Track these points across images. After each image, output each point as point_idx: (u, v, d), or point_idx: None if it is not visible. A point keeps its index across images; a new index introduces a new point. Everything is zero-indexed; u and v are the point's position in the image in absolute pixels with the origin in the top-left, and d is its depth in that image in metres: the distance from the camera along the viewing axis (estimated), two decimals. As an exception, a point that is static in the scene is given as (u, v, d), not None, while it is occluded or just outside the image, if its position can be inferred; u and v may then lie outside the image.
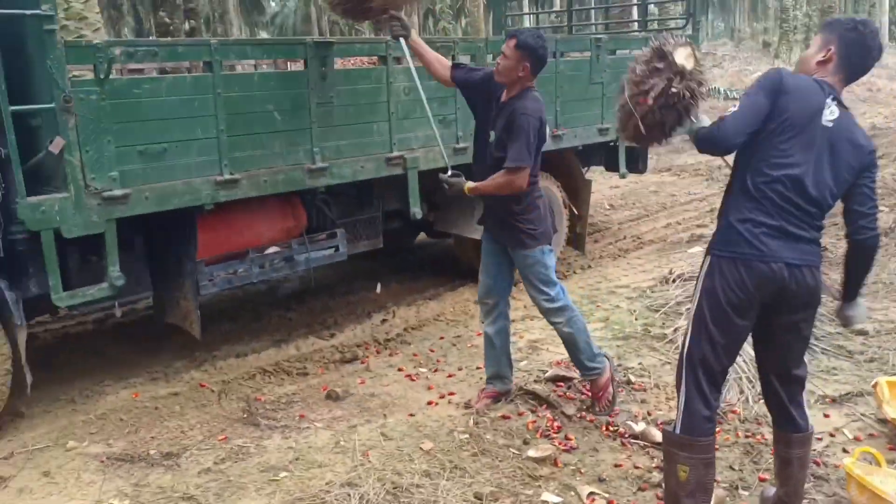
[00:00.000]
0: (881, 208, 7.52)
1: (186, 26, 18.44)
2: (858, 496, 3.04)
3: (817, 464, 3.49)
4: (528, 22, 10.48)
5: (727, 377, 3.43)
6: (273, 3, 54.32)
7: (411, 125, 5.08)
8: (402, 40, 4.09)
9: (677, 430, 2.82)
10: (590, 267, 6.78)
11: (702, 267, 2.83)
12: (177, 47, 4.08)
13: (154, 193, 3.93)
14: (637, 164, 7.39)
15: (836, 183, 2.65)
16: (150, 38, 21.89)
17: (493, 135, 3.78)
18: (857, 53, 2.66)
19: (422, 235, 7.40)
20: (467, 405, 4.19)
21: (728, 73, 24.93)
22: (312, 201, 5.10)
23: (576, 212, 6.67)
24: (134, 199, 3.86)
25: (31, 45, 3.63)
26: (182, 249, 4.37)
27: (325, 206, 5.20)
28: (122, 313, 4.70)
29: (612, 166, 7.30)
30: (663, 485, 3.01)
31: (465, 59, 5.40)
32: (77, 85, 3.63)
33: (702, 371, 2.77)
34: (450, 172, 3.90)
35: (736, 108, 2.63)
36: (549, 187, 6.42)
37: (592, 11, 16.28)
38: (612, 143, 6.79)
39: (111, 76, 3.69)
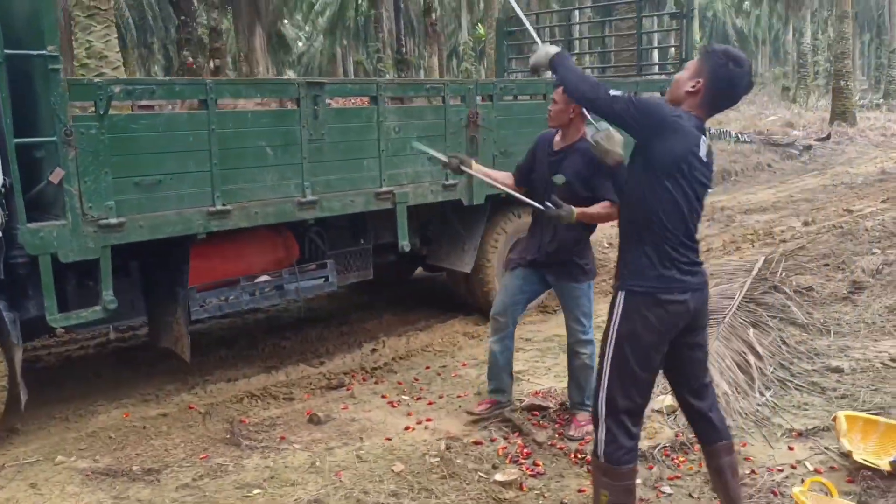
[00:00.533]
0: (874, 251, 7.63)
1: (211, 65, 19.06)
2: None
3: (774, 494, 3.58)
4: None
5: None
6: (300, 44, 55.63)
7: (401, 162, 5.30)
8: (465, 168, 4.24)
9: (600, 457, 2.90)
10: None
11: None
12: (174, 86, 4.35)
13: (148, 222, 4.18)
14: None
15: None
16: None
17: (559, 179, 3.98)
18: (724, 90, 2.76)
19: (420, 269, 7.58)
20: (461, 428, 4.33)
21: (744, 116, 25.13)
22: (305, 233, 5.32)
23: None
24: (129, 228, 4.11)
25: (36, 82, 3.91)
26: (175, 276, 4.60)
27: (317, 238, 5.42)
28: (115, 336, 4.92)
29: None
30: None
31: (455, 102, 5.62)
32: (78, 120, 3.90)
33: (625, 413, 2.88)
34: (549, 204, 3.83)
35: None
36: (540, 224, 6.60)
37: (587, 56, 16.59)
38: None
39: (110, 112, 3.96)
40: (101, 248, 4.02)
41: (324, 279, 5.25)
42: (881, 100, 31.25)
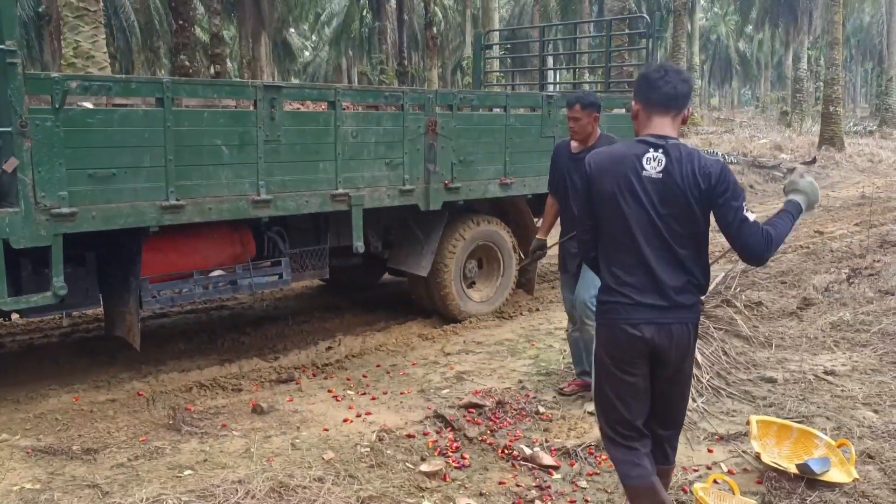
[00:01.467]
0: (831, 270, 7.79)
1: (212, 70, 19.30)
2: None
3: (684, 490, 3.74)
4: (505, 77, 11.02)
5: None
6: (306, 53, 56.07)
7: (358, 165, 5.49)
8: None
9: (622, 486, 2.99)
10: (537, 310, 7.09)
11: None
12: (130, 83, 4.54)
13: (101, 213, 4.35)
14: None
15: None
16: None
17: None
18: (644, 90, 2.86)
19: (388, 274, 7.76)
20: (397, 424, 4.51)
21: (737, 138, 25.36)
22: (263, 231, 5.50)
23: (522, 256, 7.01)
24: (81, 217, 4.28)
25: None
26: (128, 267, 4.77)
27: (276, 237, 5.59)
28: (77, 326, 5.09)
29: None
30: None
31: (414, 110, 5.81)
32: (35, 112, 4.09)
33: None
34: None
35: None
36: (500, 232, 6.79)
37: (556, 73, 16.93)
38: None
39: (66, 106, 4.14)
40: (52, 235, 4.19)
41: (278, 276, 5.42)
42: (875, 127, 31.43)
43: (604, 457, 4.14)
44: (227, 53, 24.54)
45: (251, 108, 4.95)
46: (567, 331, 5.08)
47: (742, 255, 2.83)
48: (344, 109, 5.36)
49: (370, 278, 7.86)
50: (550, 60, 17.75)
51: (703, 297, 2.96)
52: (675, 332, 2.82)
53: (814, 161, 18.64)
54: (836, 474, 3.77)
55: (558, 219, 5.02)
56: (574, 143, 4.69)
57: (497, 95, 6.51)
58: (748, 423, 4.12)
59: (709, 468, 4.02)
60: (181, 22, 17.36)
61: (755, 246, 2.73)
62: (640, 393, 2.91)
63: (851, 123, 32.75)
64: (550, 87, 9.77)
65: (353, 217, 5.54)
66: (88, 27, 9.04)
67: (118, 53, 29.12)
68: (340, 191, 5.41)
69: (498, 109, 6.39)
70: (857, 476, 3.77)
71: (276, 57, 43.75)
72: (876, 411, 4.63)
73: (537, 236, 5.19)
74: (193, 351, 5.84)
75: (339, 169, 5.37)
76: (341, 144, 5.35)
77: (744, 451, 4.18)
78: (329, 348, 5.94)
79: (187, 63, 17.08)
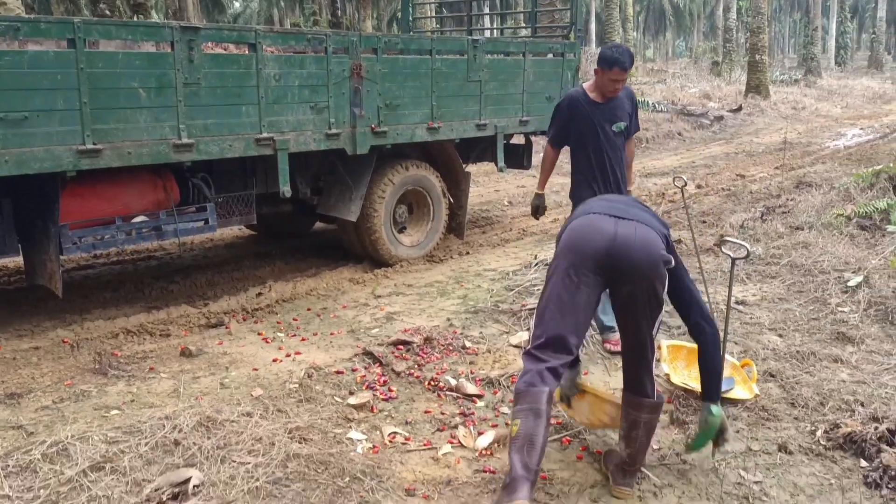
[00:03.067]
0: (750, 210, 8.10)
1: (136, 20, 18.62)
2: (579, 401, 3.55)
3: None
4: (432, 23, 10.97)
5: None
6: (237, 4, 54.43)
7: (282, 109, 5.46)
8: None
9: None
10: (468, 253, 7.22)
11: None
12: (39, 23, 4.40)
13: (14, 157, 4.26)
14: (522, 161, 7.87)
15: None
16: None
17: (620, 125, 4.64)
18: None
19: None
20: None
21: (668, 88, 25.73)
22: (187, 177, 5.45)
23: (452, 201, 7.11)
24: (-7, 162, 4.19)
25: None
26: (46, 214, 4.69)
27: (201, 183, 5.54)
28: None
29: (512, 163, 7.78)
30: None
31: (339, 54, 5.78)
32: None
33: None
34: None
35: None
36: (429, 177, 6.86)
37: (488, 18, 16.97)
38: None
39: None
40: (-36, 180, 4.10)
41: (203, 222, 5.39)
42: (801, 76, 32.32)
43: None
44: (151, 4, 23.66)
45: (169, 50, 4.86)
46: None
47: None
48: (266, 52, 5.30)
49: (301, 227, 7.86)
50: (480, 6, 17.71)
51: None
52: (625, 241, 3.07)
53: (740, 109, 19.14)
54: (739, 392, 4.03)
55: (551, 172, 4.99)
56: (593, 95, 4.59)
57: (422, 39, 6.51)
58: (659, 347, 4.34)
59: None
60: (100, -31, 16.65)
61: None
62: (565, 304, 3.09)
63: (778, 72, 33.58)
64: (478, 34, 9.76)
65: (279, 162, 5.52)
66: (0, -27, 8.66)
67: (35, 3, 27.82)
68: (265, 135, 5.38)
69: (424, 54, 6.39)
70: (758, 393, 4.04)
71: (205, 8, 42.40)
72: (780, 336, 4.93)
73: (536, 191, 5.04)
74: (119, 299, 5.79)
75: (263, 113, 5.34)
76: (264, 88, 5.31)
77: (656, 375, 4.40)
78: (259, 294, 5.96)
79: (108, 13, 16.46)
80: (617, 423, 3.34)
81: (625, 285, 3.02)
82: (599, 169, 4.68)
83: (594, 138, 4.63)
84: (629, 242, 2.98)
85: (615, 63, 4.37)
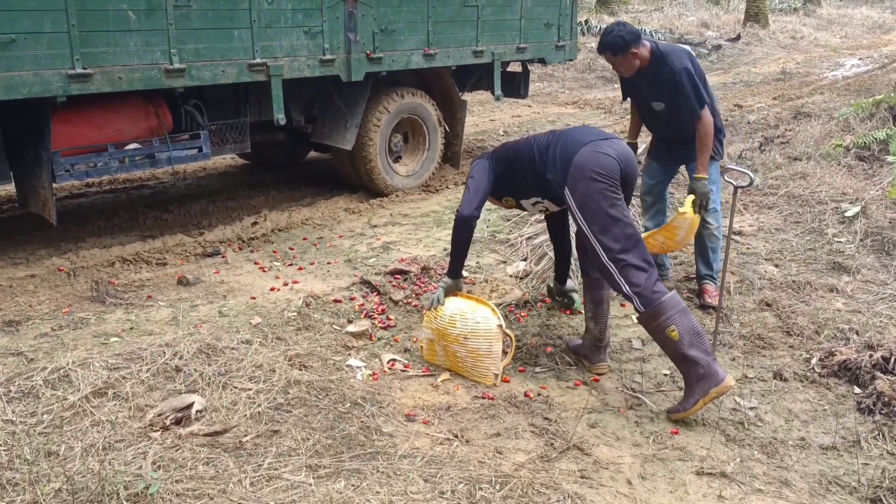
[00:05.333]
0: (750, 138, 8.05)
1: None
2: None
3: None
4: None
5: None
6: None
7: (275, 34, 5.32)
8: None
9: (642, 309, 3.19)
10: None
11: None
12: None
13: (2, 82, 4.15)
14: (519, 89, 7.74)
15: None
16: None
17: (657, 105, 4.28)
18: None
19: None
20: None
21: (665, 16, 25.22)
22: (180, 104, 5.34)
23: (448, 130, 7.01)
24: (-20, 86, 4.08)
25: None
26: (37, 140, 4.60)
27: (194, 110, 5.44)
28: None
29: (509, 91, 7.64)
30: (674, 364, 3.29)
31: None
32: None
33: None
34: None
35: None
36: (424, 105, 6.74)
37: None
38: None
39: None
40: (-49, 105, 4.00)
41: (197, 150, 5.31)
42: (800, 4, 31.69)
43: (523, 313, 4.35)
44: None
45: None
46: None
47: None
48: (257, -27, 5.13)
49: (295, 157, 7.77)
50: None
51: None
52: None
53: (738, 38, 18.81)
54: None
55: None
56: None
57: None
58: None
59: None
60: None
61: None
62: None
63: (777, 1, 32.92)
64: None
65: (273, 88, 5.41)
66: None
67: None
68: (258, 60, 5.26)
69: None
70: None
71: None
72: (777, 265, 4.95)
73: (627, 140, 4.68)
74: (114, 228, 5.75)
75: (256, 37, 5.20)
76: (256, 11, 5.16)
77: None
78: (255, 223, 5.92)
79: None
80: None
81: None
82: (659, 139, 4.58)
83: (645, 111, 4.46)
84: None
85: (602, 50, 4.15)
